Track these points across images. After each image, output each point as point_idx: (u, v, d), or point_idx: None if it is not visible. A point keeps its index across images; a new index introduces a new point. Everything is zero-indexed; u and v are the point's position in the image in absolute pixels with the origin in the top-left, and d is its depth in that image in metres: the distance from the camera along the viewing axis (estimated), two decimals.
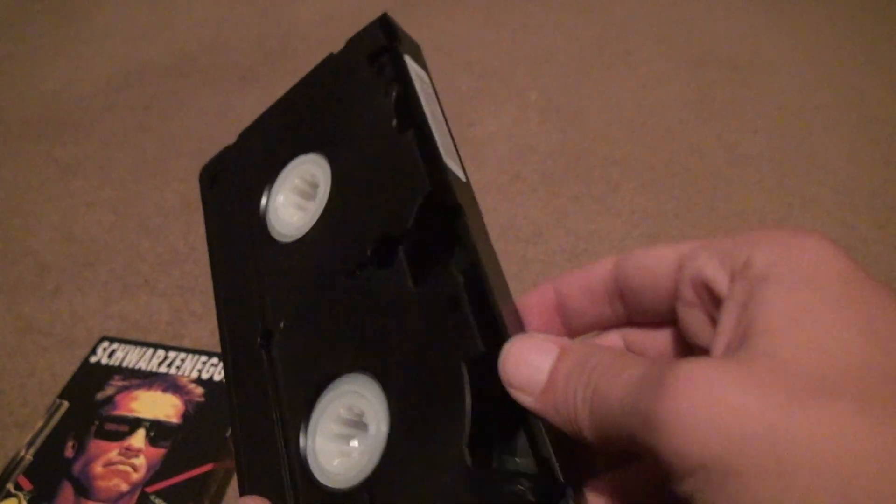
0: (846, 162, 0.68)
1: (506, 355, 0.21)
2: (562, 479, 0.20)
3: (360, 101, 0.28)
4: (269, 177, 0.30)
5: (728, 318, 0.20)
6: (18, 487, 0.42)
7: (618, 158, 0.68)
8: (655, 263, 0.23)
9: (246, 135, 0.33)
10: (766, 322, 0.18)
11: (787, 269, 0.19)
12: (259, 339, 0.28)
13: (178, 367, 0.49)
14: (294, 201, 0.30)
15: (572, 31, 0.87)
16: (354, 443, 0.24)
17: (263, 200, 0.30)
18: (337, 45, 0.30)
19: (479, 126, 0.73)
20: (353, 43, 0.29)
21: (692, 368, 0.17)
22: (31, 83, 0.81)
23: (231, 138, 0.33)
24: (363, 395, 0.24)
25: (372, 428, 0.23)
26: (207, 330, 0.54)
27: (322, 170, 0.29)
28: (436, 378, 0.22)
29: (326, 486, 0.23)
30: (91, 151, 0.71)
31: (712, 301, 0.21)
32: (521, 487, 0.19)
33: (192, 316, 0.55)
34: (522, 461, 0.21)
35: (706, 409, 0.17)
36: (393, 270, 0.25)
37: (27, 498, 0.42)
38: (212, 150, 0.35)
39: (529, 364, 0.21)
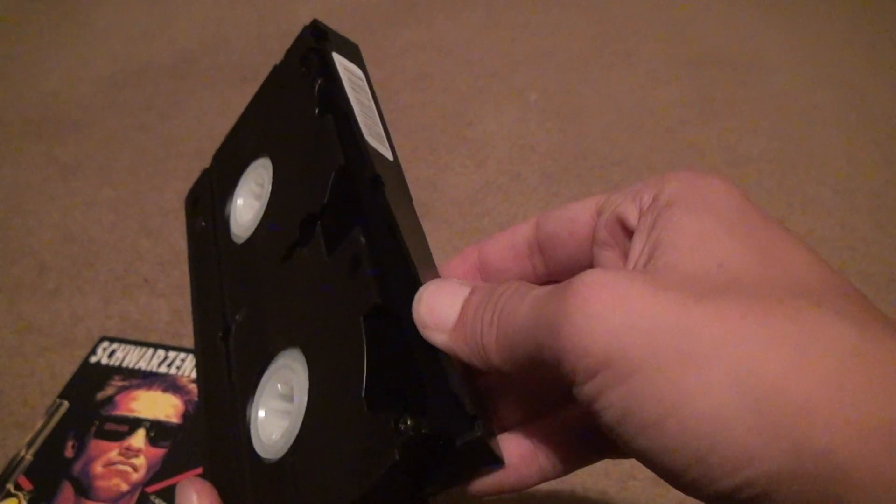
0: (846, 162, 0.68)
1: (418, 298, 0.22)
2: (471, 413, 0.20)
3: (293, 100, 0.30)
4: (231, 187, 0.32)
5: (637, 241, 0.21)
6: (18, 487, 0.42)
7: (618, 158, 0.68)
8: (575, 213, 0.24)
9: (217, 155, 0.35)
10: (669, 241, 0.20)
11: (691, 198, 0.21)
12: (220, 335, 0.29)
13: (178, 367, 0.49)
14: (249, 204, 0.31)
15: (572, 31, 0.87)
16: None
17: (227, 209, 0.32)
18: None
19: (479, 126, 0.73)
20: (290, 51, 0.31)
21: (599, 273, 0.18)
22: (31, 83, 0.81)
23: None
24: (293, 369, 0.25)
25: (297, 397, 0.24)
26: None
27: (267, 170, 0.30)
28: (343, 338, 0.23)
29: (264, 459, 0.24)
30: (91, 151, 0.71)
31: (626, 236, 0.22)
32: (411, 422, 0.19)
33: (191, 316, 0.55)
34: (433, 405, 0.21)
35: (613, 306, 0.18)
36: (312, 246, 0.26)
37: (27, 498, 0.42)
38: (212, 150, 0.35)
39: (442, 304, 0.21)
